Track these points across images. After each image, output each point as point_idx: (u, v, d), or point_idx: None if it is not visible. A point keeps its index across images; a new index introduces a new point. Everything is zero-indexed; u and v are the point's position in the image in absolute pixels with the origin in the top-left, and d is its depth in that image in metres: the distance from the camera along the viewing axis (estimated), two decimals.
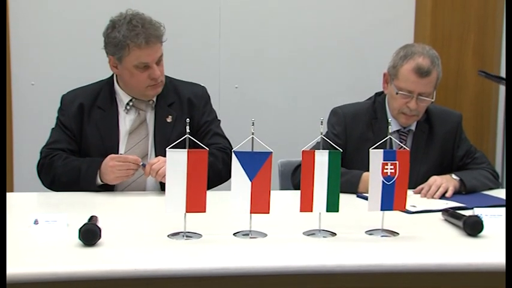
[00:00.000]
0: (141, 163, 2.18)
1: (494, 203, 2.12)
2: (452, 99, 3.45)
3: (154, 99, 2.35)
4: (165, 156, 1.68)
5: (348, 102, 2.51)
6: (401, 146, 2.36)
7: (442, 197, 2.20)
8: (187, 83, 2.44)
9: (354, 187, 2.23)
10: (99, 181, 2.18)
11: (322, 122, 1.77)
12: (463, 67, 3.47)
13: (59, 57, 3.19)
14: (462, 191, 2.26)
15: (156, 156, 2.29)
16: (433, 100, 2.34)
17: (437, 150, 2.42)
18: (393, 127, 2.36)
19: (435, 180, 2.24)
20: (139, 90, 2.30)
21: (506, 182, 2.00)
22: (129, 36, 2.21)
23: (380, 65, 2.48)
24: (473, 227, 1.74)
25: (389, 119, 2.24)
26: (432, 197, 2.20)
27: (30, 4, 3.17)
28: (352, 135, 2.39)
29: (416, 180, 2.25)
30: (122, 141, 2.33)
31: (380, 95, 2.48)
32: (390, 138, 2.31)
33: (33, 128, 3.07)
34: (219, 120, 2.44)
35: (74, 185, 2.20)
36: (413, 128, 2.42)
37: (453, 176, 2.29)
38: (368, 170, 1.73)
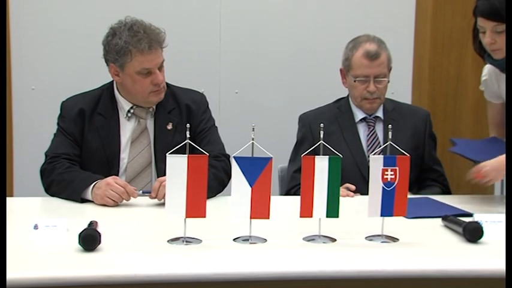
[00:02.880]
0: (141, 191, 2.17)
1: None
2: (452, 105, 3.45)
3: (154, 106, 2.35)
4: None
5: None
6: (370, 133, 2.46)
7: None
8: (185, 89, 2.44)
9: None
10: (86, 195, 2.12)
11: (321, 127, 1.77)
12: (463, 73, 3.47)
13: (59, 63, 3.19)
14: None
15: (157, 165, 2.30)
16: (388, 80, 2.45)
17: (408, 137, 2.46)
18: (359, 116, 2.51)
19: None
20: (142, 97, 2.30)
21: (506, 181, 2.00)
22: (131, 42, 2.20)
23: None
24: (473, 233, 1.74)
25: (354, 113, 2.47)
26: None
27: (31, 9, 3.17)
28: (316, 133, 2.42)
29: None
30: (124, 149, 2.33)
31: (344, 98, 2.58)
32: (362, 129, 2.45)
33: (33, 132, 3.07)
34: (216, 126, 2.44)
35: (63, 192, 2.17)
36: (380, 115, 2.50)
37: None
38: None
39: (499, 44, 2.15)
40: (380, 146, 2.41)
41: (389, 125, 1.86)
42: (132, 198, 2.11)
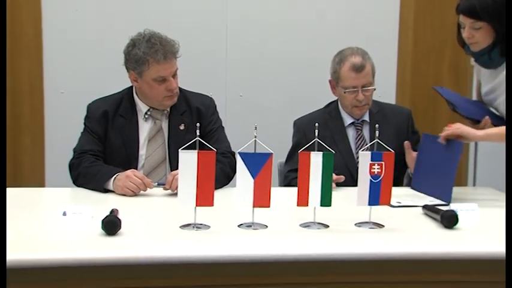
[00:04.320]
0: (156, 183, 2.16)
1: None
2: (431, 108, 3.44)
3: (168, 109, 2.34)
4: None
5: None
6: (358, 136, 2.45)
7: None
8: (196, 93, 2.43)
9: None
10: (108, 186, 2.13)
11: (316, 126, 1.76)
12: (440, 79, 3.46)
13: (85, 69, 3.19)
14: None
15: (171, 161, 2.29)
16: (375, 88, 2.42)
17: (394, 135, 2.42)
18: (348, 121, 2.47)
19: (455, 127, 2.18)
20: (158, 101, 2.29)
21: (506, 181, 1.97)
22: (149, 52, 2.20)
23: None
24: (450, 220, 1.74)
25: (343, 118, 2.44)
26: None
27: (62, 24, 3.16)
28: (311, 137, 2.39)
29: None
30: (142, 146, 2.32)
31: (333, 102, 2.54)
32: (351, 133, 2.41)
33: (62, 131, 3.06)
34: (223, 126, 2.43)
35: (89, 183, 2.18)
36: (367, 119, 2.46)
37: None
38: None
39: (475, 39, 2.17)
40: (367, 148, 2.37)
41: (376, 125, 1.85)
42: (148, 189, 2.11)
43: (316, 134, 1.73)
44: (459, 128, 2.13)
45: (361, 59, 2.37)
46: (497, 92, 2.27)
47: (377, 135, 1.74)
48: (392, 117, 2.49)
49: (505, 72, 2.17)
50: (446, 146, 2.15)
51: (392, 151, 1.74)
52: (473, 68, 2.57)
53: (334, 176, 2.22)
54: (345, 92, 2.38)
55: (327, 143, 2.32)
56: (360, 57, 2.37)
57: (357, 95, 2.37)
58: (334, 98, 2.56)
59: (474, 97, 2.62)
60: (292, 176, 2.34)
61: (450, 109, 2.37)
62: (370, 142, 2.35)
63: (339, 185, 2.22)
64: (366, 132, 2.46)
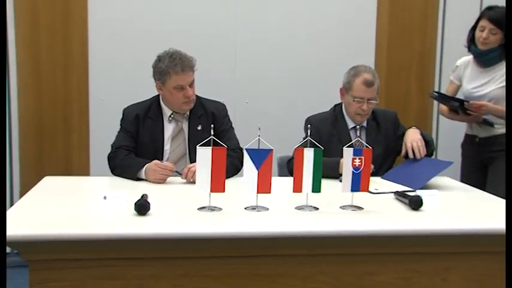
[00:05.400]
0: (175, 170, 2.15)
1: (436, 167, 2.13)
2: (401, 114, 3.39)
3: (188, 113, 2.33)
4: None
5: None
6: (357, 138, 2.39)
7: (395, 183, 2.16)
8: (211, 100, 2.42)
9: (335, 170, 2.17)
10: (140, 175, 2.13)
11: (308, 128, 1.76)
12: (409, 90, 3.44)
13: (122, 81, 3.17)
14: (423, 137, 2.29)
15: (190, 156, 2.27)
16: (377, 102, 2.38)
17: (383, 138, 2.40)
18: (350, 125, 2.42)
19: (411, 142, 2.25)
20: (177, 105, 2.28)
21: (506, 181, 1.97)
22: (170, 66, 2.20)
23: None
24: (416, 204, 1.73)
25: (347, 121, 2.37)
26: (421, 155, 2.23)
27: (104, 43, 3.15)
28: (322, 133, 2.37)
29: (373, 161, 2.20)
30: (166, 143, 2.31)
31: (338, 105, 2.48)
32: (357, 130, 2.35)
33: (103, 131, 3.04)
34: (233, 127, 2.42)
35: (124, 173, 2.17)
36: (364, 124, 2.42)
37: (413, 128, 2.34)
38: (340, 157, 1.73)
39: (489, 40, 2.45)
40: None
41: (357, 126, 1.82)
42: (171, 177, 2.11)
43: (309, 132, 1.72)
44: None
45: (372, 77, 2.31)
46: (484, 86, 2.50)
47: (358, 133, 1.73)
48: (383, 123, 2.42)
49: (496, 72, 2.48)
50: (434, 160, 2.24)
51: (371, 148, 1.72)
52: (455, 70, 2.70)
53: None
54: (353, 100, 2.32)
55: (335, 140, 2.33)
56: (371, 75, 2.32)
57: (362, 104, 2.31)
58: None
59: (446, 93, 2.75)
60: None
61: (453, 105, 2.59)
62: (366, 143, 2.34)
63: (331, 177, 2.17)
64: (363, 136, 2.40)
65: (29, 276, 1.44)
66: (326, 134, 2.38)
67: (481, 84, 2.51)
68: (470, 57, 2.63)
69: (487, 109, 2.48)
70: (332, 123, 2.42)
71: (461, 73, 2.64)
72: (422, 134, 2.33)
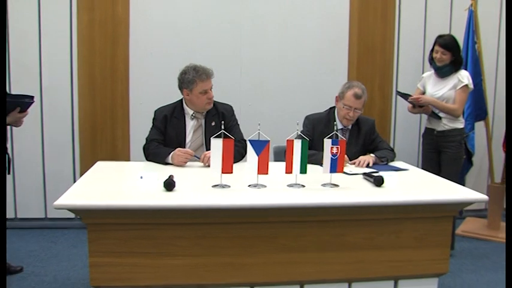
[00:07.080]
0: (194, 155, 2.10)
1: (393, 169, 2.06)
2: (367, 112, 3.35)
3: (205, 112, 2.28)
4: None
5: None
6: (342, 137, 2.32)
7: (367, 166, 2.11)
8: (221, 103, 2.36)
9: (321, 160, 2.10)
10: (168, 160, 2.09)
11: (298, 123, 1.71)
12: (373, 96, 3.38)
13: (155, 88, 3.12)
14: (378, 162, 2.18)
15: (206, 145, 2.23)
16: (362, 112, 2.32)
17: (362, 139, 2.33)
18: (339, 126, 2.35)
19: (361, 158, 2.16)
20: (202, 106, 2.23)
21: (506, 180, 1.92)
22: (196, 75, 2.18)
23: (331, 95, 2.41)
24: (379, 182, 1.70)
25: (336, 123, 2.30)
26: (361, 167, 2.11)
27: (141, 60, 3.09)
28: (317, 131, 2.31)
29: (352, 156, 2.19)
30: (187, 136, 2.26)
31: (332, 108, 2.40)
32: (336, 133, 2.25)
33: (140, 127, 2.99)
34: (239, 124, 2.37)
35: (155, 159, 2.14)
36: (349, 127, 2.35)
37: (371, 154, 2.22)
38: None
39: (443, 59, 2.58)
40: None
41: (339, 128, 1.76)
42: (191, 162, 2.07)
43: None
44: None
45: (361, 92, 2.24)
46: (440, 90, 2.62)
47: (339, 134, 1.66)
48: (363, 128, 2.34)
49: (449, 81, 2.60)
50: (394, 166, 2.16)
51: (344, 139, 1.69)
52: (421, 80, 2.77)
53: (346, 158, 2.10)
54: (343, 107, 2.25)
55: (327, 137, 2.20)
56: (361, 90, 2.24)
57: (350, 111, 2.24)
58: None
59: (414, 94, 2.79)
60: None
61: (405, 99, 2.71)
62: (348, 142, 2.28)
63: (317, 164, 2.09)
64: (347, 136, 2.33)
65: (87, 235, 1.47)
66: (319, 132, 2.32)
67: (439, 89, 2.64)
68: (432, 71, 2.74)
69: (425, 100, 2.63)
70: (325, 123, 2.35)
71: (426, 82, 2.74)
72: (379, 157, 2.20)
